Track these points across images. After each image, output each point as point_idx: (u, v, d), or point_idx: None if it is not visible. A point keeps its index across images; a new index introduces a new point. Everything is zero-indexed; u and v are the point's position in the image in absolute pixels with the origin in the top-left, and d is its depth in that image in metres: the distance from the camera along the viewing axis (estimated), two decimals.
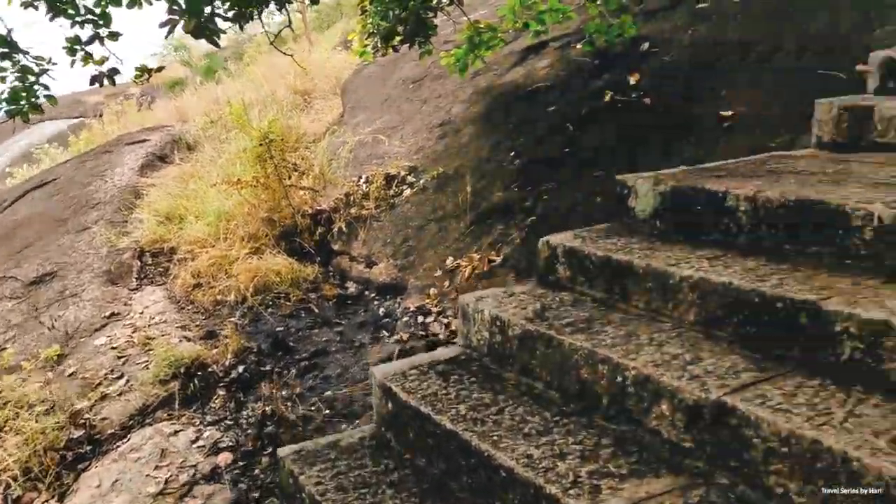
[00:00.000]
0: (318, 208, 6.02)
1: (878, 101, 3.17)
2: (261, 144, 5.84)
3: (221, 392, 4.35)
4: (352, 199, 5.96)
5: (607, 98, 5.30)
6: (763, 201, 2.39)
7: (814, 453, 1.65)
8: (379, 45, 5.38)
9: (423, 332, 4.78)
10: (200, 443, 3.93)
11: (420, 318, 4.95)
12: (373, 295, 5.54)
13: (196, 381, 4.38)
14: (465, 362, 2.55)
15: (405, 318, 5.06)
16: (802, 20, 5.00)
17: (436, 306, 4.98)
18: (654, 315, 2.35)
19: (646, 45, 5.59)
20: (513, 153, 5.45)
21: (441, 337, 4.63)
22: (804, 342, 1.98)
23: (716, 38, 5.33)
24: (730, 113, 4.76)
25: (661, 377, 1.98)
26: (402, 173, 5.93)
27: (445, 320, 4.79)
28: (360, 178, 6.15)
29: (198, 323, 5.18)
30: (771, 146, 4.37)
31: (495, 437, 2.06)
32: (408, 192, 5.82)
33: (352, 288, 5.68)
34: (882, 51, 3.50)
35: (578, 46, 5.83)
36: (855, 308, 1.89)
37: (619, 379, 2.08)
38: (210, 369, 4.49)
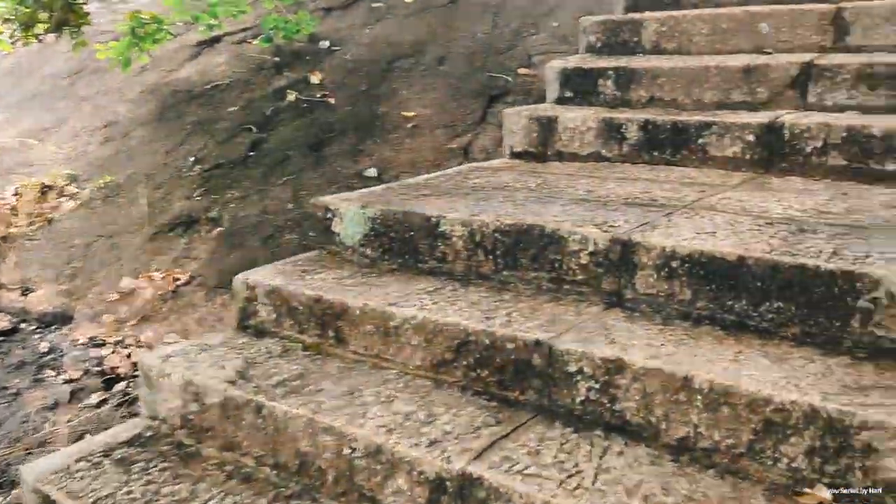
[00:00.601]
0: None
1: (560, 112, 3.17)
2: None
3: None
4: None
5: (291, 97, 4.91)
6: (479, 226, 2.18)
7: None
8: (18, 34, 4.39)
9: (99, 368, 4.00)
10: None
11: (94, 352, 4.15)
12: (32, 328, 4.55)
13: None
14: (152, 441, 2.01)
15: (75, 353, 4.21)
16: (471, 23, 5.09)
17: (113, 336, 4.21)
18: (377, 361, 2.03)
19: (326, 43, 5.28)
20: (193, 158, 4.81)
21: (122, 371, 3.90)
22: (540, 384, 1.79)
23: (393, 37, 5.21)
24: (413, 113, 4.67)
25: (395, 446, 1.66)
26: (62, 183, 4.97)
27: (126, 351, 4.06)
28: (7, 190, 5.05)
29: None
30: (454, 147, 4.35)
31: None
32: (70, 204, 4.88)
33: (3, 322, 4.63)
34: (558, 61, 3.53)
35: (255, 42, 5.34)
36: (587, 345, 1.73)
37: (347, 451, 1.72)
38: None
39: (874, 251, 1.72)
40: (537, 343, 1.78)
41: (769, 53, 3.13)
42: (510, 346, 1.81)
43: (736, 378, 1.54)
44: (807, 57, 2.90)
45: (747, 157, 2.71)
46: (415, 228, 2.30)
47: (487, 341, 1.85)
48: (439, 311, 1.96)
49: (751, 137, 2.70)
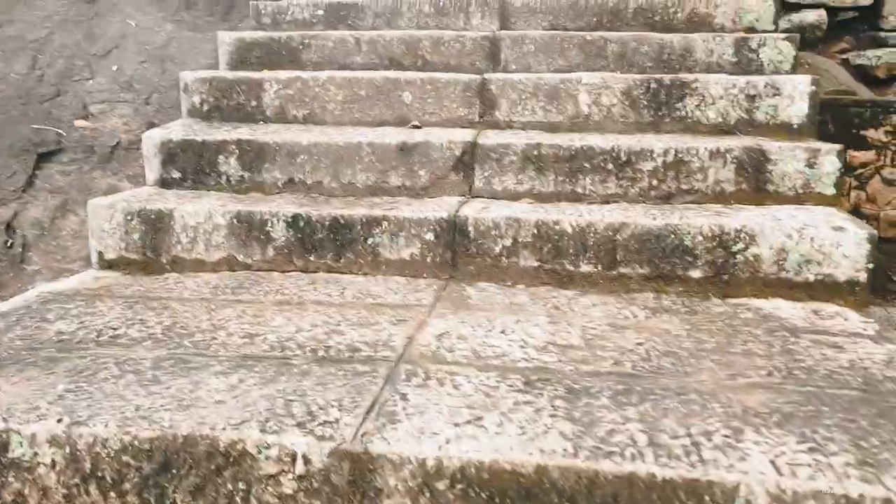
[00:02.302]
0: None
1: (175, 204, 2.28)
2: None
3: None
4: None
5: None
6: (90, 445, 1.23)
7: None
8: None
9: None
10: None
11: None
12: None
13: None
14: None
15: None
16: (3, 61, 3.91)
17: None
18: None
19: None
20: None
21: None
22: None
23: None
24: None
25: None
26: None
27: None
28: None
29: None
30: None
31: None
32: None
33: None
34: (159, 130, 2.61)
35: None
36: None
37: None
38: None
39: (691, 432, 1.26)
40: None
41: (418, 127, 2.67)
42: None
43: None
44: (468, 135, 2.49)
45: (428, 259, 2.17)
46: None
47: None
48: None
49: (430, 236, 2.17)
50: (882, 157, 4.09)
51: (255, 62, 3.05)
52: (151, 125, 4.14)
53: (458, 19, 3.25)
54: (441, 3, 3.25)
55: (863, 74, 5.14)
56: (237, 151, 2.48)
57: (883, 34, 5.46)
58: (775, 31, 3.07)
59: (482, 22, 3.24)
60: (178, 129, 2.60)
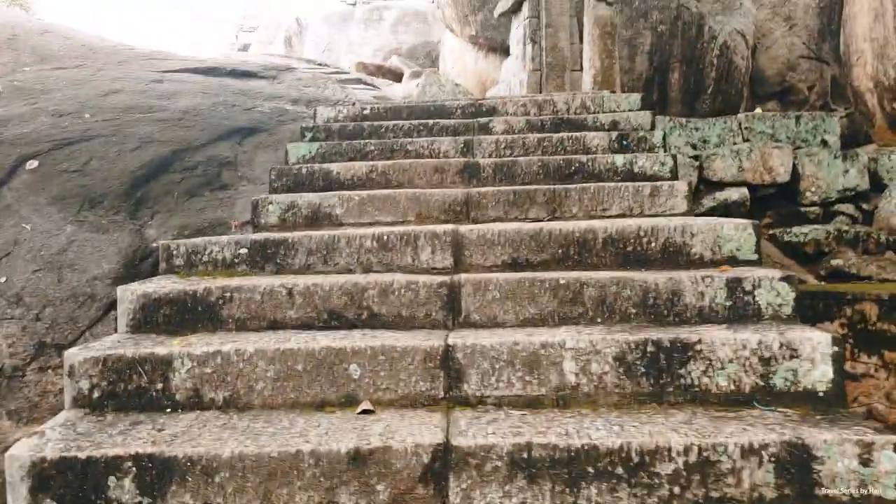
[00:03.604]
0: None
1: None
2: None
3: None
4: None
5: None
6: None
7: None
8: None
9: None
10: None
11: None
12: None
13: None
14: None
15: None
16: None
17: None
18: None
19: None
20: None
21: None
22: None
23: None
24: None
25: None
26: None
27: None
28: None
29: None
30: None
31: None
32: None
33: None
34: (28, 441, 1.96)
35: None
36: None
37: None
38: None
39: None
40: None
41: (371, 411, 2.12)
42: None
43: None
44: (437, 432, 1.95)
45: None
46: None
47: None
48: None
49: None
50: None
51: (164, 322, 2.48)
52: (42, 345, 3.50)
53: (404, 254, 2.81)
54: (385, 238, 2.81)
55: (792, 250, 4.97)
56: (134, 470, 1.86)
57: (803, 209, 5.41)
58: (758, 260, 2.73)
59: (433, 257, 2.80)
60: (55, 438, 1.97)
